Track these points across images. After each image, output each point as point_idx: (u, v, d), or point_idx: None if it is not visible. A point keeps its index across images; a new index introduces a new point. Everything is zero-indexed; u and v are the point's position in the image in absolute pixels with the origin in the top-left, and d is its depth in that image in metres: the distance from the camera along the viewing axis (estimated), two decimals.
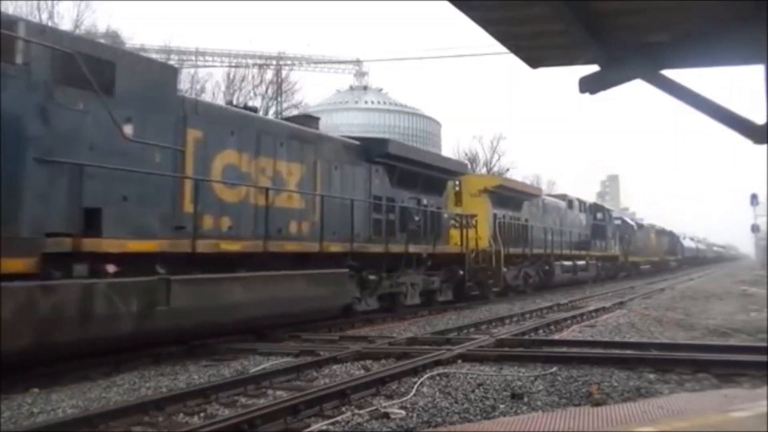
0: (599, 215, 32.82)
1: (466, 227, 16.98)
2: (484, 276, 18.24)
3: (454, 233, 17.16)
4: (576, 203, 29.80)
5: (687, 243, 70.21)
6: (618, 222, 37.91)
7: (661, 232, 53.18)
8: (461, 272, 16.59)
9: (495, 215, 19.93)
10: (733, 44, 4.72)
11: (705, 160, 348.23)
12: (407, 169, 14.83)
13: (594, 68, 5.21)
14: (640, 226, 45.82)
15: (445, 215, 16.94)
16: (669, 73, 4.94)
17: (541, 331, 11.40)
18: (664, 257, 52.01)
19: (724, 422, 4.70)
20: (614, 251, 34.78)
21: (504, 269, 19.25)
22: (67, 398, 6.39)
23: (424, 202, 15.73)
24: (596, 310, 15.07)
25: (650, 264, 44.84)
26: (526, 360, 7.73)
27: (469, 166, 17.50)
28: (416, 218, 15.08)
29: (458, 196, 19.29)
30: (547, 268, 23.51)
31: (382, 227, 13.82)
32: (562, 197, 29.12)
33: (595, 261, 29.84)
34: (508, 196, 21.34)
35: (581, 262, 27.42)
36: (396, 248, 13.82)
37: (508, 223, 20.73)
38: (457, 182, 19.18)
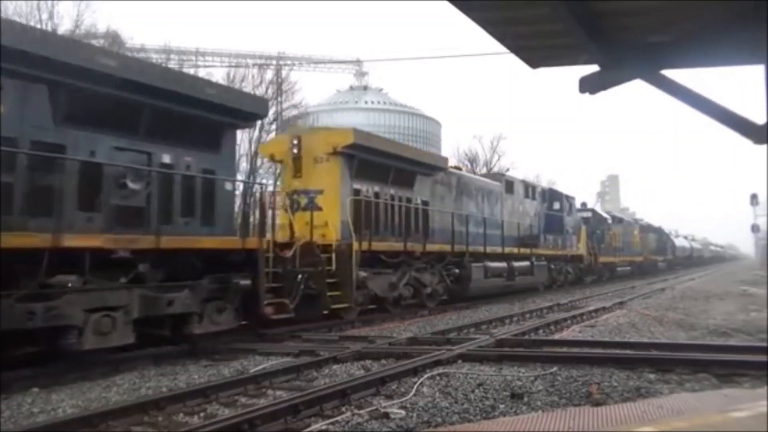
0: (556, 204, 25.86)
1: (254, 206, 10.60)
2: (321, 285, 11.51)
3: (298, 219, 11.15)
4: (520, 187, 23.19)
5: (679, 241, 63.91)
6: (587, 214, 32.44)
7: (647, 228, 47.12)
8: (247, 282, 9.53)
9: (358, 191, 13.67)
10: (733, 44, 4.72)
11: (705, 160, 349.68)
12: (95, 91, 7.97)
13: (594, 68, 5.21)
14: (619, 220, 39.39)
15: (228, 186, 10.27)
16: (669, 73, 4.94)
17: (541, 331, 11.40)
18: (650, 257, 45.21)
19: (724, 422, 4.70)
20: (578, 249, 28.07)
21: (363, 274, 12.83)
22: (67, 398, 6.40)
23: (166, 160, 9.09)
24: (596, 310, 15.08)
25: (631, 265, 38.35)
26: (526, 360, 7.73)
27: (269, 104, 11.46)
28: (131, 185, 8.45)
29: (297, 162, 13.32)
30: (458, 271, 16.95)
31: (14, 199, 7.14)
32: (498, 177, 22.68)
33: (546, 262, 23.37)
34: (383, 163, 14.38)
35: (522, 263, 20.71)
36: (21, 240, 6.83)
37: (381, 204, 14.36)
38: (295, 141, 13.37)
